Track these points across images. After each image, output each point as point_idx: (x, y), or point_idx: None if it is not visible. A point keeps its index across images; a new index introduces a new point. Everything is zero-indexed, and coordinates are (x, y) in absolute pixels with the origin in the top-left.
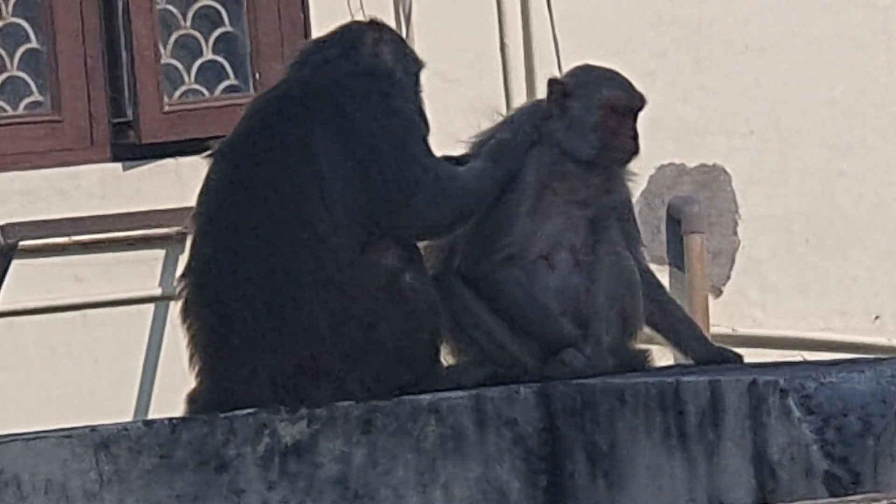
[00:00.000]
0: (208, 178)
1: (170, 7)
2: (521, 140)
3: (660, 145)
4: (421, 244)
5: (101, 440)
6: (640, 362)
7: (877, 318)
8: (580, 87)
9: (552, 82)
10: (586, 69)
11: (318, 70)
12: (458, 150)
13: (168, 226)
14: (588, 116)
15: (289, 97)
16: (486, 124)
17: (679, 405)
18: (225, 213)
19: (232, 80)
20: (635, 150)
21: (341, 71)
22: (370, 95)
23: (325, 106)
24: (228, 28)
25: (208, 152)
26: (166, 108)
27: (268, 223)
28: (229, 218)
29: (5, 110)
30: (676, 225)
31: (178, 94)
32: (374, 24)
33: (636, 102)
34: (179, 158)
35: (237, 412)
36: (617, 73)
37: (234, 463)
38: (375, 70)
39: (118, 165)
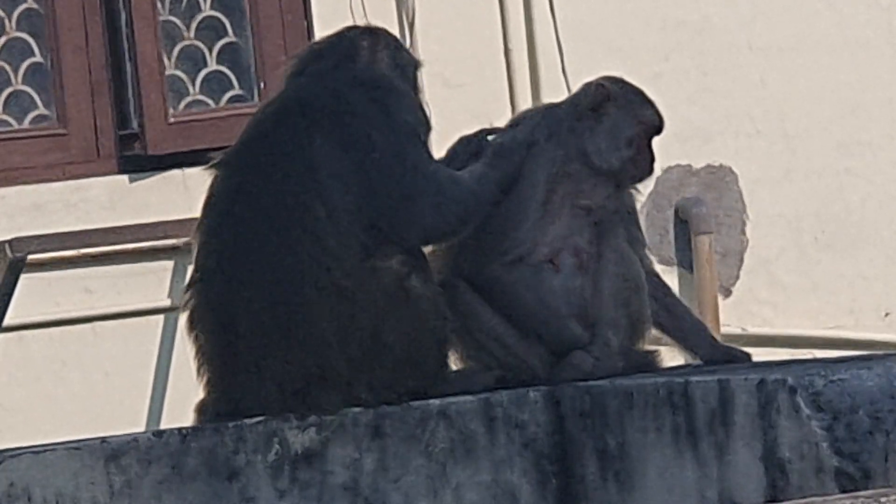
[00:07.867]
0: (211, 189)
1: (173, 18)
2: (520, 143)
3: (666, 147)
4: (426, 249)
5: (111, 452)
6: (648, 363)
7: (887, 314)
8: (622, 98)
9: (598, 85)
10: (620, 81)
11: (316, 81)
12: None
13: (176, 236)
14: (624, 129)
15: (288, 109)
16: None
17: (688, 405)
18: (229, 223)
19: (237, 91)
20: (650, 172)
21: (339, 81)
22: (369, 106)
23: (325, 117)
24: (232, 38)
25: (210, 164)
26: (171, 120)
27: (272, 232)
28: (233, 228)
29: (11, 125)
30: (684, 226)
31: (183, 105)
32: (370, 30)
33: (662, 127)
34: (186, 169)
35: (246, 421)
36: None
37: (245, 471)
38: (373, 79)
39: (125, 177)
